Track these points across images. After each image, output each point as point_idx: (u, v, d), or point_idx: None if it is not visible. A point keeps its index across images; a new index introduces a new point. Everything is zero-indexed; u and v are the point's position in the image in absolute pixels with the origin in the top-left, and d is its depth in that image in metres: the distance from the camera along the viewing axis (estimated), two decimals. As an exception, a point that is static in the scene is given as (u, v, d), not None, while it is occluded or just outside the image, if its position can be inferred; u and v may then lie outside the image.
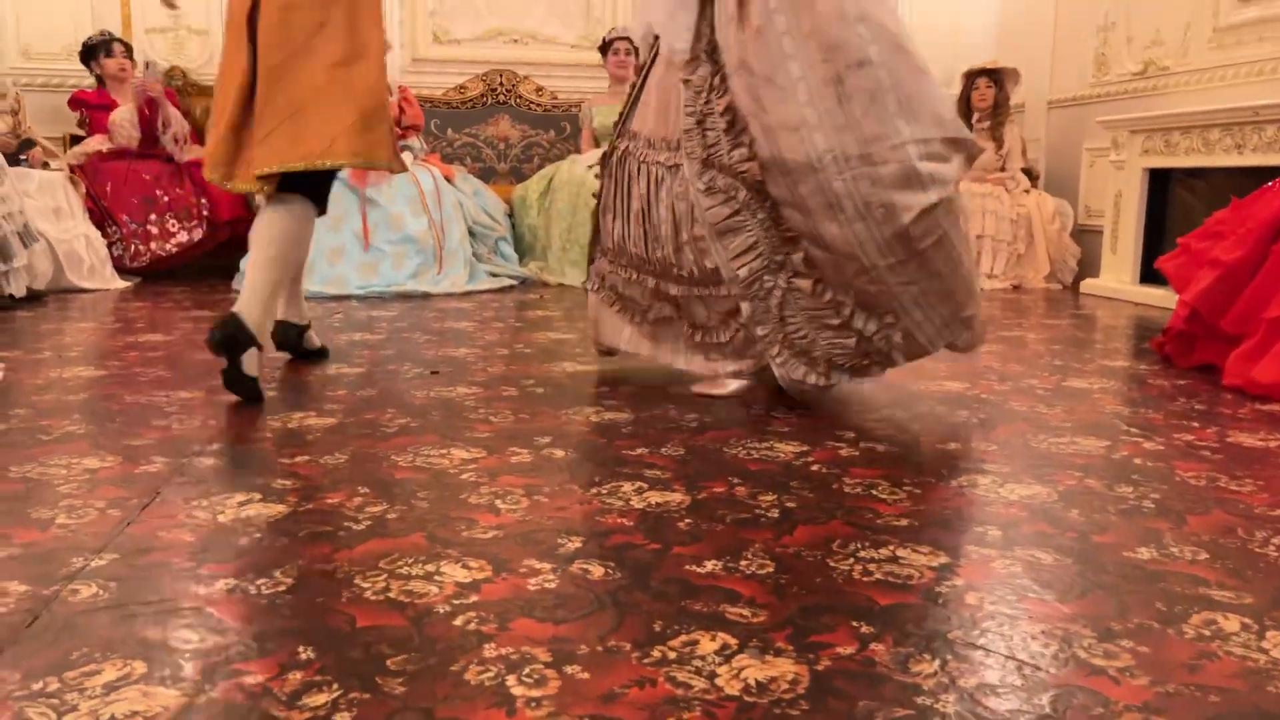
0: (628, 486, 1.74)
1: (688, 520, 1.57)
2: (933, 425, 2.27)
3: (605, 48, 5.72)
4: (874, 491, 1.74)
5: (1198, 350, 2.99)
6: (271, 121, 2.40)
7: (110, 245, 4.82)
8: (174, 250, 4.99)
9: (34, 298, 4.11)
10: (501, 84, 6.10)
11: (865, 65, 2.18)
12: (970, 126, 5.69)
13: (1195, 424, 2.28)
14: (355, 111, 2.44)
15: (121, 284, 4.70)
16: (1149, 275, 4.59)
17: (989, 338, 3.06)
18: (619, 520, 1.57)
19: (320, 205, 2.63)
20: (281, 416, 2.23)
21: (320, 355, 2.97)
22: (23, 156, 4.59)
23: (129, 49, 5.37)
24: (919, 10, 6.41)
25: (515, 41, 6.22)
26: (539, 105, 6.14)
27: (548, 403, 2.42)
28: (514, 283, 5.22)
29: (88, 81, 5.42)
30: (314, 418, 2.23)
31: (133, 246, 4.93)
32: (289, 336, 2.90)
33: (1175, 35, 4.92)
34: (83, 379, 2.61)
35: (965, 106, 5.71)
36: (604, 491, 1.71)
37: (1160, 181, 4.85)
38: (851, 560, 1.41)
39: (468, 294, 4.80)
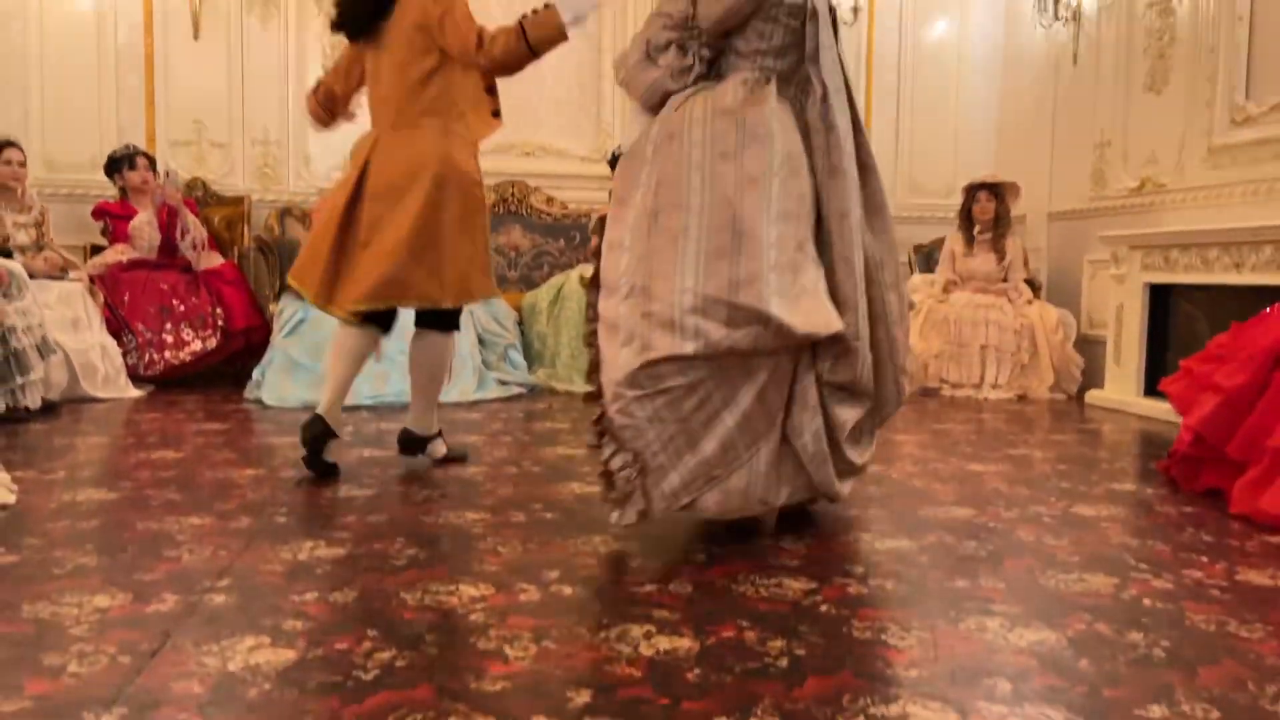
0: (636, 630, 1.74)
1: (696, 671, 1.56)
2: (941, 557, 2.27)
3: (614, 161, 5.87)
4: (884, 636, 1.74)
5: (1204, 474, 3.00)
6: (367, 264, 2.94)
7: (125, 354, 4.89)
8: (188, 359, 5.06)
9: (48, 409, 4.16)
10: (513, 194, 6.26)
11: (680, 209, 2.27)
12: (972, 238, 5.81)
13: (1204, 558, 2.28)
14: (429, 263, 2.95)
15: (135, 393, 4.74)
16: (1153, 387, 4.61)
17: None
18: (628, 670, 1.57)
19: (387, 328, 3.15)
20: (292, 546, 2.24)
21: (460, 459, 3.30)
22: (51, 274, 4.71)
23: (152, 161, 5.53)
24: (920, 125, 6.59)
25: (527, 154, 6.39)
26: (549, 215, 6.28)
27: (556, 530, 2.43)
28: (522, 390, 5.26)
29: (110, 192, 5.56)
30: (324, 547, 2.24)
31: (147, 355, 4.99)
32: (411, 444, 3.31)
33: (1170, 154, 5.04)
34: (95, 502, 2.63)
35: (966, 219, 5.82)
36: (612, 636, 1.71)
37: (1161, 294, 4.92)
38: (861, 718, 1.40)
39: (476, 403, 4.84)
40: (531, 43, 2.79)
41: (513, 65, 2.87)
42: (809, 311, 2.25)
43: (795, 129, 2.37)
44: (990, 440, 3.97)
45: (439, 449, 3.30)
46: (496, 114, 3.09)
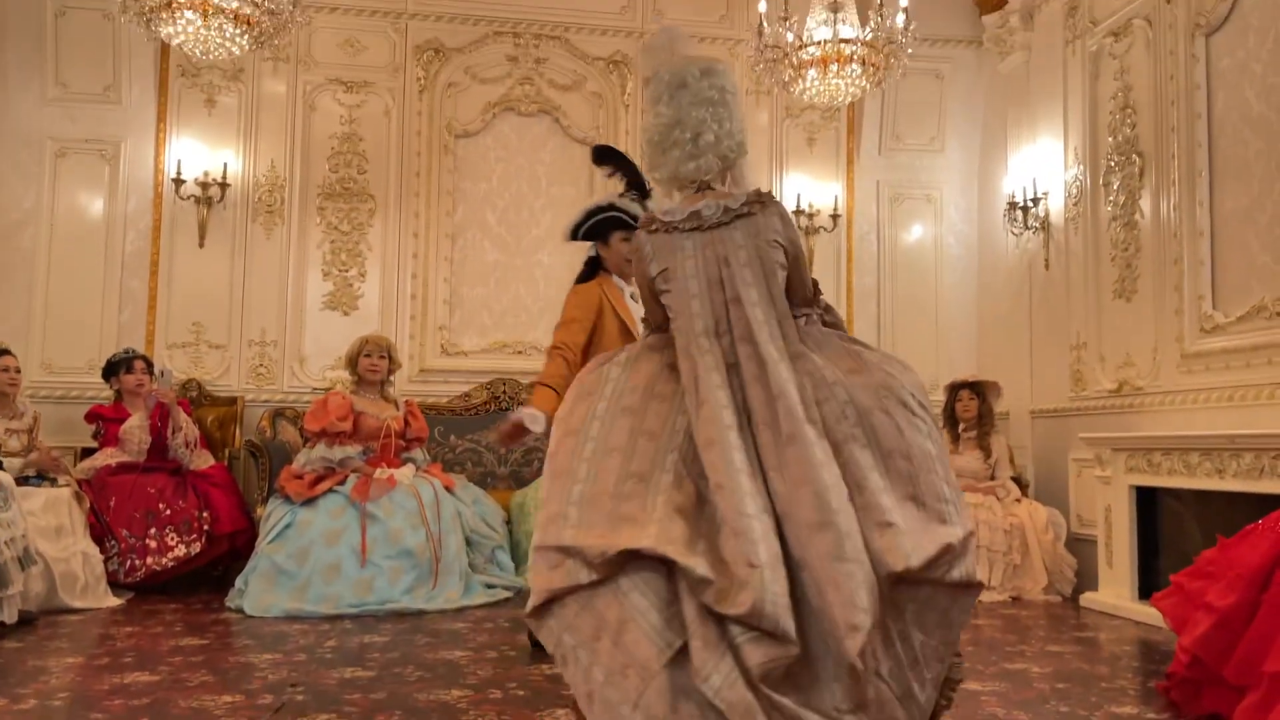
0: None
1: None
2: (939, 802, 2.19)
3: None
4: None
5: (1204, 697, 2.94)
6: None
7: (106, 559, 4.81)
8: (170, 564, 4.97)
9: (25, 620, 4.06)
10: (504, 391, 6.34)
11: (552, 456, 2.32)
12: (957, 436, 5.88)
13: (1210, 802, 2.20)
14: None
15: (113, 601, 4.64)
16: (1147, 590, 4.57)
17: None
18: None
19: None
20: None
21: None
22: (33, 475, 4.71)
23: (149, 364, 5.61)
24: (901, 324, 6.79)
25: (519, 353, 6.54)
26: (539, 412, 6.35)
27: (541, 771, 2.35)
28: (509, 594, 5.16)
29: (105, 394, 5.63)
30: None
31: (129, 561, 4.91)
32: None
33: (1145, 358, 5.17)
34: (64, 740, 2.55)
35: (950, 417, 5.91)
36: None
37: (1148, 495, 4.93)
38: None
39: (463, 609, 4.75)
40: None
41: None
42: (617, 536, 2.11)
43: (652, 372, 2.37)
44: (986, 651, 3.89)
45: None
46: None
